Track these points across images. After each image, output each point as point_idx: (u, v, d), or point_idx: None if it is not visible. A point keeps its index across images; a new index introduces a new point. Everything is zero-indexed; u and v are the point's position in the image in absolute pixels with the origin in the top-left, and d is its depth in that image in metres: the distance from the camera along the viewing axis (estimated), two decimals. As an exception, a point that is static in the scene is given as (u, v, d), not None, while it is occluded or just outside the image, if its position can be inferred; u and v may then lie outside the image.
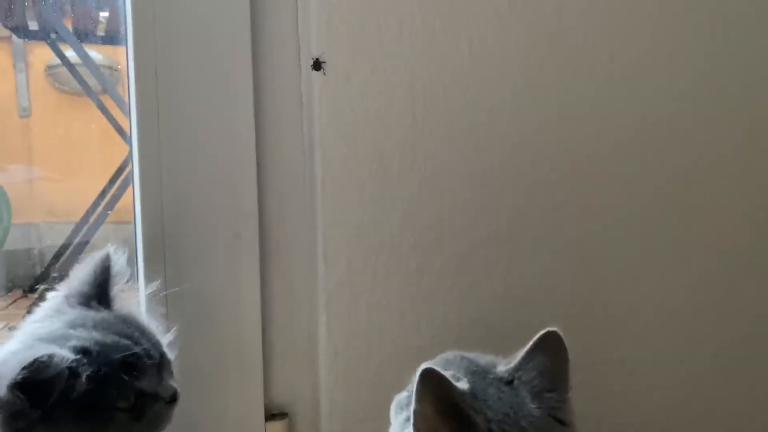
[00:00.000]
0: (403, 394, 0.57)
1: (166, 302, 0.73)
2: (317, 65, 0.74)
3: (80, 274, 0.60)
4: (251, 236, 0.75)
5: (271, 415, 0.78)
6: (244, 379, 0.77)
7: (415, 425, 0.48)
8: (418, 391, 0.48)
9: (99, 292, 0.59)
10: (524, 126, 0.80)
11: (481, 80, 0.78)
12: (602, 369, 0.85)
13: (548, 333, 0.54)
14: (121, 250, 0.61)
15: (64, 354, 0.49)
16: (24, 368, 0.47)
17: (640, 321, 0.86)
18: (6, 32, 1.56)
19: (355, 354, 0.77)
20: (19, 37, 1.59)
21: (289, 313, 0.78)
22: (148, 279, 0.73)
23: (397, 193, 0.77)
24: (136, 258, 0.75)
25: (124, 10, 0.75)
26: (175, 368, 0.69)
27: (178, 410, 0.73)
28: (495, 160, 0.79)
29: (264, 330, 0.77)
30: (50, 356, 0.48)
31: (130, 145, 0.76)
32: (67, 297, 0.58)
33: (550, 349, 0.54)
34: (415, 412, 0.48)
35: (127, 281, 0.62)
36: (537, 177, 0.81)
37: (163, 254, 0.74)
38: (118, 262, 0.60)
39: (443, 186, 0.78)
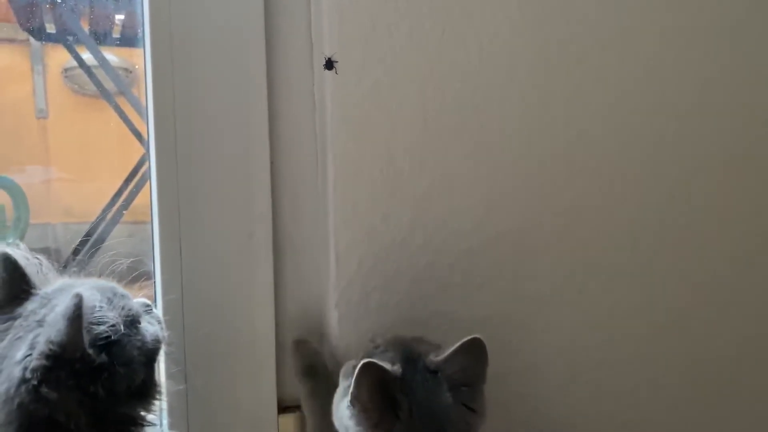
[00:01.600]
0: (352, 363, 0.67)
1: (182, 299, 0.75)
2: (329, 64, 0.75)
3: None
4: (265, 236, 0.77)
5: (283, 408, 0.80)
6: (257, 374, 0.78)
7: (351, 402, 0.61)
8: (356, 379, 0.60)
9: (18, 289, 0.58)
10: (533, 127, 0.81)
11: (491, 82, 0.79)
12: (608, 368, 0.86)
13: (474, 339, 0.64)
14: (12, 244, 0.60)
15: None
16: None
17: (647, 321, 0.87)
18: (24, 35, 1.58)
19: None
20: (36, 39, 1.61)
21: (301, 311, 0.79)
22: (165, 277, 0.75)
23: (408, 192, 0.78)
24: (153, 257, 0.77)
25: (142, 15, 0.76)
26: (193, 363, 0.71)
27: (194, 404, 0.75)
28: (504, 161, 0.81)
29: (277, 326, 0.78)
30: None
31: (148, 146, 0.78)
32: None
33: (473, 352, 0.64)
34: (352, 394, 0.61)
35: (41, 263, 0.61)
36: (545, 177, 0.82)
37: (179, 253, 0.76)
38: (19, 254, 0.59)
39: (453, 185, 0.79)
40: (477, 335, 0.64)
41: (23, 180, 1.48)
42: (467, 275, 0.80)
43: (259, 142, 0.76)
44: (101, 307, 0.55)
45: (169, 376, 0.70)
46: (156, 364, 0.61)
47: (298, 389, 0.78)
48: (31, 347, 0.53)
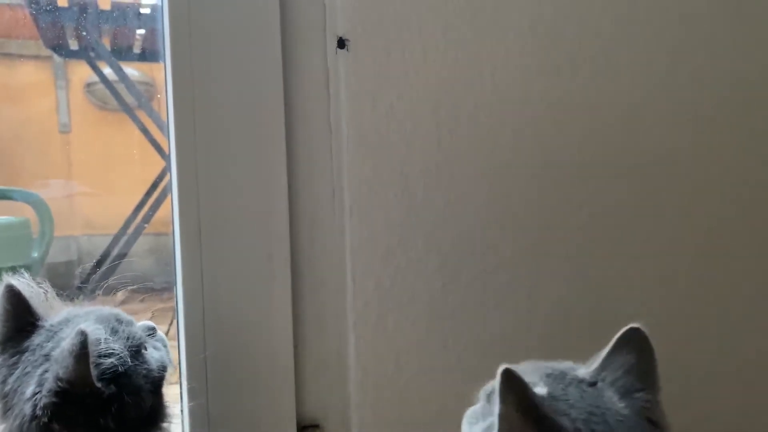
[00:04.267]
0: (477, 406, 0.55)
1: (203, 321, 0.77)
2: (341, 43, 0.76)
3: None
4: (283, 258, 0.78)
5: (302, 427, 0.81)
6: (277, 394, 0.79)
7: (500, 428, 0.45)
8: (501, 392, 0.44)
9: (24, 321, 0.59)
10: (546, 149, 0.82)
11: (504, 105, 0.80)
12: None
13: (631, 330, 0.51)
14: (18, 274, 0.61)
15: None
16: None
17: (662, 338, 0.87)
18: (47, 52, 1.62)
19: (383, 370, 0.79)
20: (59, 56, 1.65)
21: (319, 332, 0.80)
22: (186, 298, 0.77)
23: (423, 215, 0.79)
24: (175, 279, 0.79)
25: (163, 31, 0.78)
26: (214, 382, 0.73)
27: (215, 423, 0.77)
28: (517, 183, 0.81)
29: (296, 347, 0.79)
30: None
31: (169, 162, 0.80)
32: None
33: (634, 346, 0.51)
34: (500, 415, 0.45)
35: (46, 292, 0.62)
36: (559, 197, 0.83)
37: (200, 272, 0.77)
38: (23, 284, 0.60)
39: (467, 208, 0.80)
40: (634, 324, 0.52)
41: (47, 194, 1.51)
42: (483, 296, 0.81)
43: (277, 167, 0.77)
44: (106, 339, 0.56)
45: (191, 395, 0.73)
46: (163, 390, 0.62)
47: (317, 410, 0.80)
48: (40, 384, 0.54)
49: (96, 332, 0.55)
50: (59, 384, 0.53)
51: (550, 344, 0.84)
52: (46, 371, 0.54)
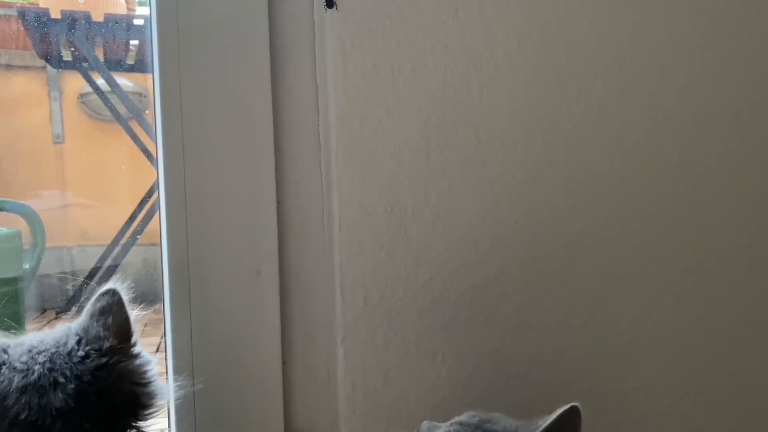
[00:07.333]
0: None
1: (190, 336, 0.77)
2: (330, 2, 0.75)
3: None
4: (272, 273, 0.78)
5: (291, 444, 0.81)
6: (265, 408, 0.79)
7: None
8: None
9: None
10: (535, 163, 0.82)
11: (492, 119, 0.80)
12: (615, 399, 0.86)
13: (571, 408, 0.54)
14: None
15: None
16: None
17: (652, 353, 0.87)
18: (41, 62, 1.62)
19: (373, 386, 0.79)
20: (53, 66, 1.65)
21: (308, 346, 0.80)
22: (174, 313, 0.77)
23: (412, 229, 0.79)
24: (163, 294, 0.79)
25: (151, 41, 0.78)
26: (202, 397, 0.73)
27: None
28: (506, 197, 0.81)
29: (284, 362, 0.79)
30: None
31: (158, 174, 0.79)
32: None
33: (569, 425, 0.54)
34: None
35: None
36: (549, 211, 0.83)
37: (188, 286, 0.77)
38: None
39: (456, 222, 0.80)
40: (575, 404, 0.54)
41: (40, 204, 1.51)
42: (473, 310, 0.81)
43: (266, 182, 0.78)
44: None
45: (178, 409, 0.73)
46: None
47: (306, 426, 0.80)
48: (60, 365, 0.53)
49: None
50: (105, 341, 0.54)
51: (541, 358, 0.84)
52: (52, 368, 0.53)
